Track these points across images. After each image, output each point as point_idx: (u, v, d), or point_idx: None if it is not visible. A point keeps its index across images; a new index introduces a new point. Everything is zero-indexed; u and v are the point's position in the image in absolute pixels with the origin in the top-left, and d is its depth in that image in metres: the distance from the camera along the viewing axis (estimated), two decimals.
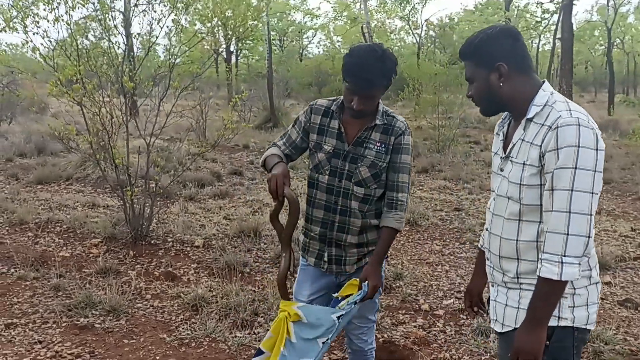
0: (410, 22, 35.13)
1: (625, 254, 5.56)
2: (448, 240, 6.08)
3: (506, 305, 1.90)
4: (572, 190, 1.68)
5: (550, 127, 1.73)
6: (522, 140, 1.84)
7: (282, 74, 23.96)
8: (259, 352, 2.40)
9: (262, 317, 4.03)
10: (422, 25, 36.32)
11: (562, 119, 1.72)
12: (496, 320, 1.96)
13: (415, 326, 3.96)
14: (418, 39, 35.73)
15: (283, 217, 2.49)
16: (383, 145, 2.44)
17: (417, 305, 4.29)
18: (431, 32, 37.43)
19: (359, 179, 2.45)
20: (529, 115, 1.82)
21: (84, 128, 5.71)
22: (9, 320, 3.93)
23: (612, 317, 4.09)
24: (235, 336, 3.76)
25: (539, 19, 30.18)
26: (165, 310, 4.19)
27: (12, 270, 4.83)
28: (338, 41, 40.43)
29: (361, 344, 2.66)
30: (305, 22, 39.82)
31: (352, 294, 2.41)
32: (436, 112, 13.45)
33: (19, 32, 5.16)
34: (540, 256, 1.74)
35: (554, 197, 1.71)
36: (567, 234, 1.68)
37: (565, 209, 1.68)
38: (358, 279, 2.44)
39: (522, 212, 1.83)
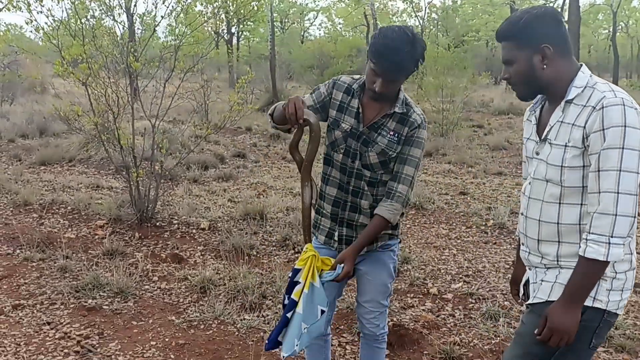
0: (412, 5, 34.83)
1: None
2: (454, 224, 6.06)
3: (543, 280, 1.90)
4: (620, 170, 1.66)
5: (595, 108, 1.71)
6: (562, 122, 1.81)
7: (284, 56, 23.79)
8: (295, 271, 2.39)
9: (270, 299, 4.02)
10: (424, 8, 36.04)
11: (607, 99, 1.70)
12: (533, 295, 1.94)
13: (424, 310, 3.94)
14: (421, 21, 35.46)
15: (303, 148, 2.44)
16: (396, 135, 2.38)
17: (425, 289, 4.28)
18: (434, 15, 37.16)
19: (367, 163, 2.41)
20: (569, 97, 1.80)
21: (87, 109, 5.67)
22: (17, 302, 3.92)
23: None
24: (244, 319, 3.75)
25: (544, 1, 29.90)
26: (172, 292, 4.17)
27: (18, 251, 4.81)
28: (340, 24, 40.15)
29: (373, 329, 2.64)
30: (307, 4, 39.51)
31: (323, 270, 2.38)
32: (439, 96, 13.35)
33: (22, 11, 5.08)
34: (585, 237, 1.72)
35: (600, 177, 1.70)
36: (616, 215, 1.67)
37: (614, 190, 1.67)
38: (333, 260, 2.40)
39: (563, 194, 1.81)
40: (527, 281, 2.04)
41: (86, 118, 5.48)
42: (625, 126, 1.66)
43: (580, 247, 1.74)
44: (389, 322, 3.63)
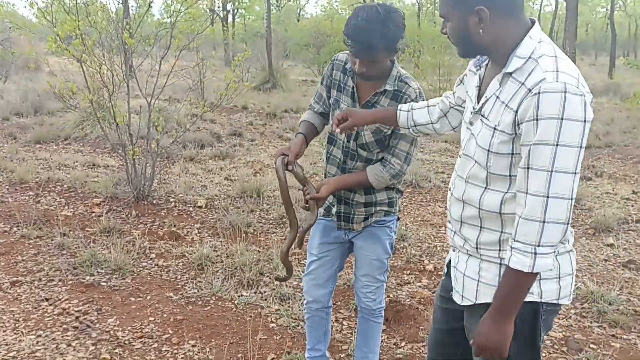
0: None
1: (628, 217, 5.57)
2: None
3: (464, 275, 1.72)
4: (551, 171, 1.42)
5: (530, 91, 1.44)
6: (497, 97, 1.57)
7: (280, 34, 23.59)
8: None
9: (267, 276, 4.04)
10: None
11: (546, 83, 1.42)
12: (456, 290, 1.77)
13: (420, 286, 3.98)
14: None
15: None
16: None
17: (421, 266, 4.31)
18: None
19: (363, 142, 2.43)
20: (508, 69, 1.53)
21: (82, 86, 5.63)
22: (14, 278, 3.93)
23: (615, 279, 4.11)
24: (242, 295, 3.77)
25: None
26: (170, 269, 4.19)
27: (15, 228, 4.81)
28: (336, 1, 39.75)
29: (370, 303, 2.67)
30: None
31: None
32: (436, 74, 13.32)
33: None
34: (511, 244, 1.51)
35: (529, 177, 1.46)
36: (544, 222, 1.45)
37: (543, 193, 1.44)
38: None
39: (489, 180, 1.61)
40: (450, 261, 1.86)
41: (81, 95, 5.45)
42: (562, 119, 1.39)
43: (506, 252, 1.54)
44: (385, 298, 3.66)
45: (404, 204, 5.96)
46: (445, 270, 1.91)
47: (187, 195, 5.86)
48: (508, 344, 1.57)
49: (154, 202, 5.64)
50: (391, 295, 3.77)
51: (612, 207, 5.94)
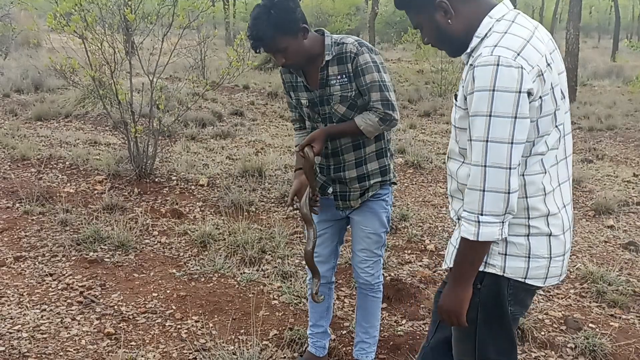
0: None
1: (628, 199, 5.59)
2: None
3: (450, 242, 1.78)
4: (486, 140, 1.47)
5: (472, 66, 1.52)
6: (463, 78, 1.63)
7: None
8: None
9: (269, 254, 4.07)
10: None
11: (481, 58, 1.49)
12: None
13: (421, 265, 4.01)
14: None
15: None
16: (344, 76, 2.39)
17: (422, 246, 4.33)
18: None
19: (339, 116, 2.45)
20: (468, 50, 1.63)
21: (84, 63, 5.60)
22: (18, 254, 3.95)
23: (615, 260, 4.14)
24: (244, 272, 3.80)
25: None
26: (173, 246, 4.22)
27: (18, 205, 4.82)
28: None
29: (368, 277, 2.69)
30: None
31: None
32: (438, 56, 13.23)
33: None
34: (460, 213, 1.59)
35: (472, 148, 1.52)
36: (484, 191, 1.49)
37: (481, 162, 1.49)
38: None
39: (462, 154, 1.67)
40: None
41: (83, 72, 5.42)
42: (493, 90, 1.45)
43: None
44: (386, 277, 3.70)
45: (405, 184, 5.98)
46: None
47: (188, 173, 5.87)
48: (464, 309, 1.62)
49: (156, 180, 5.64)
50: (392, 274, 3.80)
51: (613, 190, 5.95)
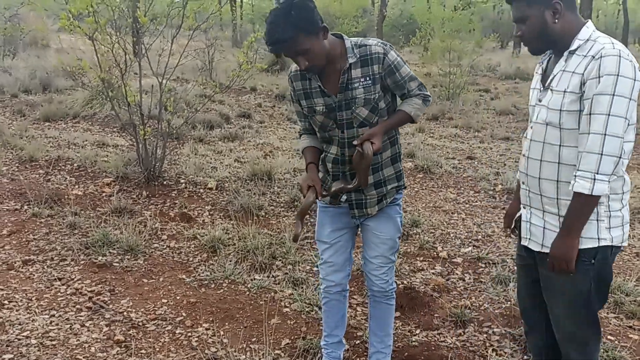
0: None
1: None
2: (462, 188, 6.03)
3: (544, 228, 2.06)
4: (608, 114, 1.82)
5: (594, 57, 1.87)
6: (564, 70, 1.97)
7: None
8: None
9: (280, 260, 4.02)
10: None
11: (605, 50, 1.86)
12: (530, 239, 2.12)
13: (434, 273, 3.95)
14: None
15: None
16: (368, 78, 2.35)
17: (435, 253, 4.27)
18: None
19: (361, 120, 2.40)
20: (572, 48, 1.96)
21: (93, 64, 5.57)
22: (27, 257, 3.92)
23: (631, 269, 4.07)
24: (254, 279, 3.75)
25: None
26: (182, 251, 4.17)
27: (26, 207, 4.79)
28: None
29: (383, 284, 2.64)
30: None
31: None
32: (446, 59, 13.15)
33: None
34: (575, 173, 1.89)
35: (591, 120, 1.86)
36: (601, 154, 1.84)
37: (601, 132, 1.83)
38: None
39: (562, 137, 1.97)
40: (520, 218, 2.22)
41: (92, 74, 5.39)
42: (618, 75, 1.82)
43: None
44: (399, 284, 3.64)
45: (415, 189, 5.92)
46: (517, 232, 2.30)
47: (197, 176, 5.83)
48: (574, 256, 1.94)
49: (165, 182, 5.61)
50: (405, 282, 3.74)
51: None
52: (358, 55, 2.35)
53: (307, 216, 2.43)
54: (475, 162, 7.19)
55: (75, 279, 3.66)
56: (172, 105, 5.79)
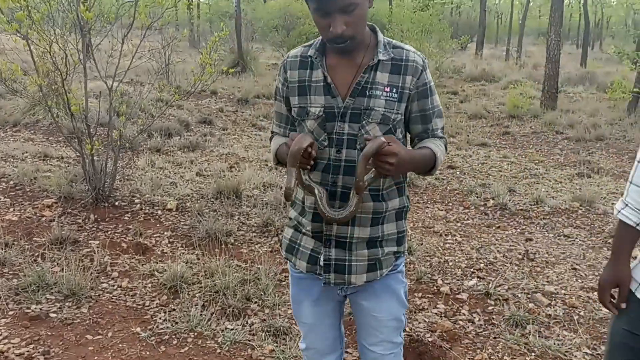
0: None
1: None
2: (450, 204, 5.49)
3: None
4: None
5: None
6: None
7: (249, 14, 22.64)
8: None
9: (256, 302, 3.36)
10: None
11: None
12: None
13: (437, 314, 3.36)
14: None
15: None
16: (395, 90, 1.71)
17: (435, 287, 3.69)
18: None
19: (363, 145, 1.68)
20: None
21: (32, 68, 4.80)
22: None
23: None
24: (226, 329, 3.09)
25: None
26: (136, 292, 3.47)
27: None
28: None
29: None
30: None
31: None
32: None
33: None
34: None
35: None
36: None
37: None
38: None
39: None
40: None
41: (30, 79, 4.61)
42: None
43: None
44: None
45: None
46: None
47: (154, 195, 5.11)
48: (624, 283, 1.73)
49: (117, 203, 4.87)
50: (409, 329, 3.14)
51: None
52: (391, 56, 1.73)
53: (306, 165, 1.66)
54: (458, 172, 6.68)
55: (1, 338, 2.92)
56: (125, 111, 5.07)
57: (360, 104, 1.70)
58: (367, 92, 1.70)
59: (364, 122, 1.70)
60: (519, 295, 3.58)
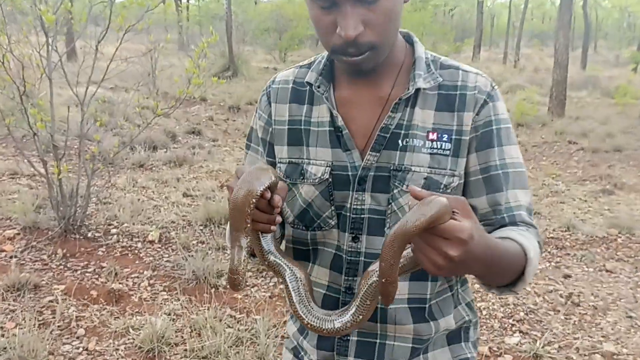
0: None
1: None
2: None
3: None
4: None
5: None
6: None
7: (240, 17, 21.99)
8: None
9: None
10: None
11: None
12: None
13: None
14: None
15: None
16: (445, 135, 1.06)
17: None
18: None
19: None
20: None
21: None
22: None
23: None
24: None
25: None
26: (106, 358, 2.82)
27: None
28: None
29: None
30: None
31: None
32: None
33: None
34: None
35: None
36: None
37: None
38: None
39: None
40: None
41: None
42: None
43: None
44: None
45: None
46: None
47: (134, 223, 4.45)
48: None
49: (89, 234, 4.21)
50: None
51: None
52: (439, 81, 1.07)
53: (267, 225, 0.95)
54: None
55: None
56: (104, 122, 4.43)
57: (390, 161, 1.06)
58: (400, 141, 1.06)
59: (395, 191, 1.05)
60: (573, 357, 2.95)
